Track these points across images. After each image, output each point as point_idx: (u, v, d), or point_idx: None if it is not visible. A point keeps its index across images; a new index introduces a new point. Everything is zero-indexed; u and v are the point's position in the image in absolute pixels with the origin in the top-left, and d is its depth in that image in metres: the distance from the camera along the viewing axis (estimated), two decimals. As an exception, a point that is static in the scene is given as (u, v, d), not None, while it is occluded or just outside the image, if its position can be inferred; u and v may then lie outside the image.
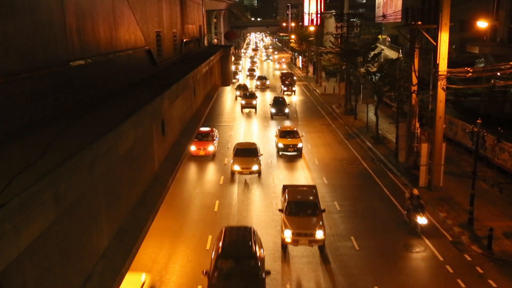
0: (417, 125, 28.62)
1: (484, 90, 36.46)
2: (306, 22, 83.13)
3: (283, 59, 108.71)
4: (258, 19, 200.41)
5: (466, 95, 38.28)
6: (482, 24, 29.29)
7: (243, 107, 48.83)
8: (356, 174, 28.84)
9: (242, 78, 77.90)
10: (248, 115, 48.24)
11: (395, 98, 34.34)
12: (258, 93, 57.53)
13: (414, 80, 27.81)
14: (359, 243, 20.08)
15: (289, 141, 32.18)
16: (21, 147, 9.62)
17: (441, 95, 24.50)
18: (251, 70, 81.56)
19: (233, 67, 64.61)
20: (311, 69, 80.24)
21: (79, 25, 13.60)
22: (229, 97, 60.85)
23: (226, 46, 70.94)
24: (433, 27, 24.95)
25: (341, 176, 28.49)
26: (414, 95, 28.04)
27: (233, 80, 74.25)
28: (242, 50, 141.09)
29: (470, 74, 23.14)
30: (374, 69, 38.23)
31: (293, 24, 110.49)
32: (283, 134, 33.10)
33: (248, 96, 49.84)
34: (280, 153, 32.37)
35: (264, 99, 57.09)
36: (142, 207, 13.66)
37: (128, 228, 12.32)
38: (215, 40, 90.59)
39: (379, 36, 63.37)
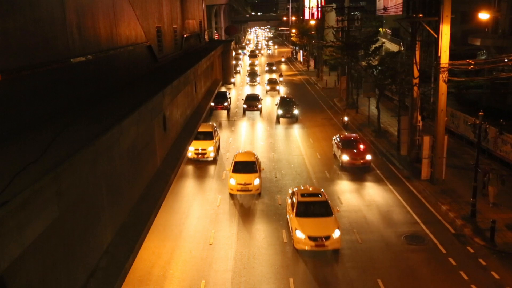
0: (419, 118, 28.56)
1: (486, 82, 36.32)
2: (306, 16, 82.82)
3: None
4: (259, 14, 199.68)
5: (468, 87, 38.17)
6: (484, 16, 29.10)
7: None
8: (358, 168, 28.80)
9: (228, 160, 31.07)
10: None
11: (396, 92, 34.23)
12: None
13: (416, 73, 27.73)
14: (362, 237, 20.13)
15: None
16: (23, 144, 9.64)
17: (443, 87, 24.44)
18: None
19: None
20: (312, 63, 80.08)
21: (79, 22, 13.58)
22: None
23: (227, 41, 70.68)
24: (434, 20, 24.86)
25: (343, 170, 28.48)
26: (415, 88, 27.97)
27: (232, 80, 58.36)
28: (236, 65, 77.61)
29: (471, 66, 23.05)
30: (376, 63, 38.08)
31: (293, 18, 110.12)
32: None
33: None
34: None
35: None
36: (145, 203, 13.68)
37: (131, 224, 12.35)
38: (216, 35, 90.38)
39: (380, 29, 63.02)
